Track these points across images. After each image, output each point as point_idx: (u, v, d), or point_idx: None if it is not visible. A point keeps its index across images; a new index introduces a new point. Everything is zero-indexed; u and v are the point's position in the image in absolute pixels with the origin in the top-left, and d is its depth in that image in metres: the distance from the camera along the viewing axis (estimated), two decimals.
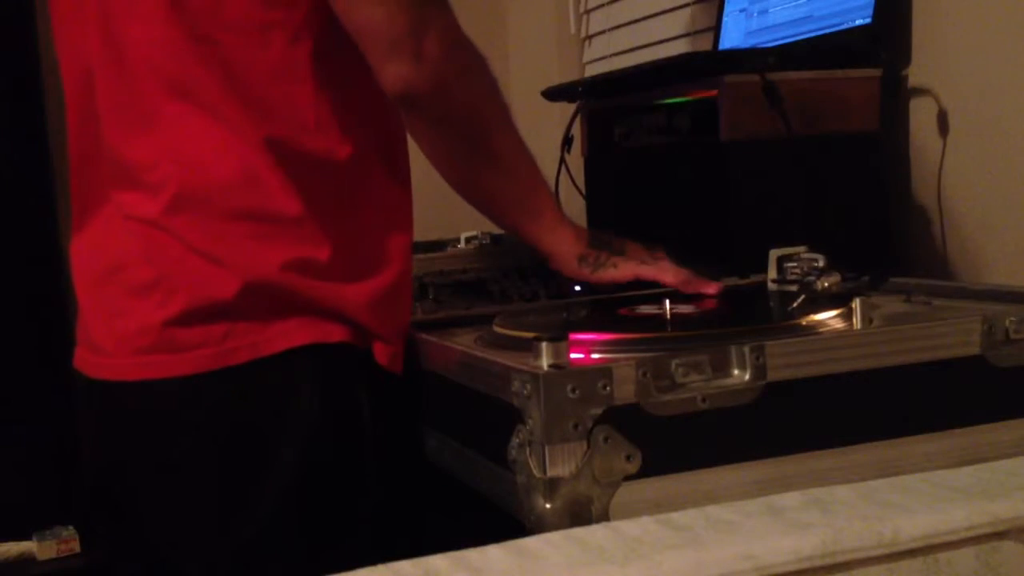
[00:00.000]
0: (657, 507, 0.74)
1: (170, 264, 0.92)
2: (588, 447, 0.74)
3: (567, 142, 1.67)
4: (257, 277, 0.91)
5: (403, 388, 1.03)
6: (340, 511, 0.96)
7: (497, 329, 1.00)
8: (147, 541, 0.98)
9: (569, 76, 2.26)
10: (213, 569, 0.94)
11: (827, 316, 0.93)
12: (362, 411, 0.97)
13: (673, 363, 0.77)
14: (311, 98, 0.94)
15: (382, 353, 0.98)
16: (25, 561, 1.87)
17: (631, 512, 0.73)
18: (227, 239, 0.91)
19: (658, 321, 1.03)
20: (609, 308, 1.16)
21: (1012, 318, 0.85)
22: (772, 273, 1.18)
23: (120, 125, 0.95)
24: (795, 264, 1.16)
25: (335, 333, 0.94)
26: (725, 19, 1.76)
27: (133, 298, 0.93)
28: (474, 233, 1.84)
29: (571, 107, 1.70)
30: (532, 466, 0.74)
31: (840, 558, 0.62)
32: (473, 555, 0.63)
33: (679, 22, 2.01)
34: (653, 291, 1.15)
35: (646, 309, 1.07)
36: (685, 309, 1.05)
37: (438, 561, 0.62)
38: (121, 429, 0.96)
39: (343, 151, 0.95)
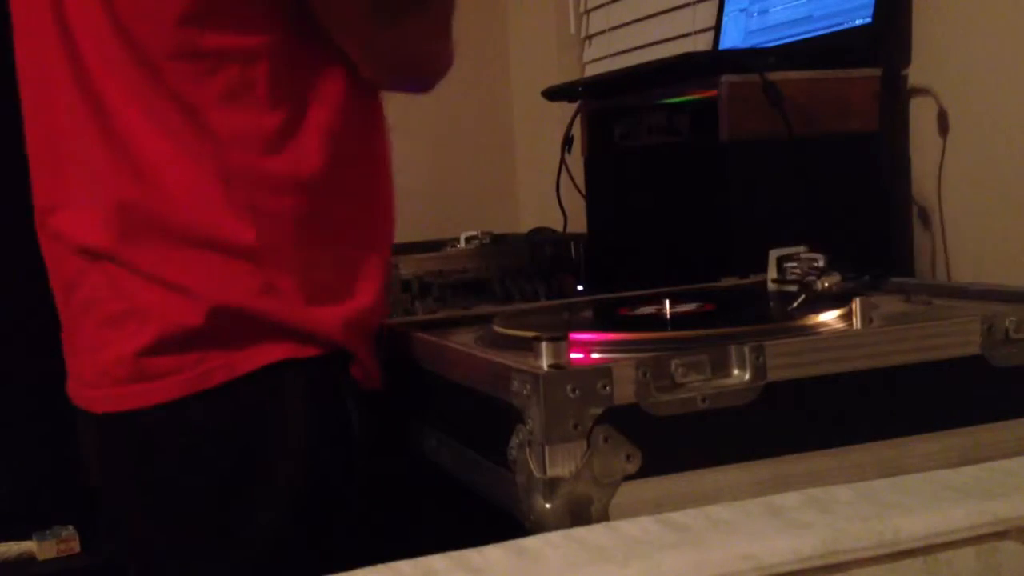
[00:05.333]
0: (657, 507, 0.74)
1: (136, 296, 0.91)
2: (588, 447, 0.74)
3: (567, 142, 1.67)
4: (223, 303, 0.90)
5: (390, 392, 1.03)
6: (335, 516, 0.96)
7: (497, 329, 1.00)
8: (151, 563, 0.98)
9: (569, 76, 2.27)
10: None
11: (827, 316, 0.93)
12: (349, 417, 0.97)
13: (673, 363, 0.77)
14: (266, 121, 0.92)
15: (359, 372, 0.98)
16: (25, 561, 1.87)
17: (631, 512, 0.73)
18: (188, 267, 0.91)
19: (658, 321, 1.03)
20: (609, 308, 1.16)
21: (1012, 318, 0.85)
22: (772, 273, 1.18)
23: (81, 138, 0.93)
24: (795, 264, 1.16)
25: (309, 351, 0.94)
26: (725, 19, 1.76)
27: (107, 330, 0.93)
28: (474, 233, 1.85)
29: (571, 107, 1.70)
30: (532, 466, 0.74)
31: (840, 558, 0.62)
32: (473, 555, 0.63)
33: (679, 22, 2.02)
34: (654, 291, 1.15)
35: (646, 309, 1.07)
36: (685, 309, 1.05)
37: (438, 561, 0.62)
38: (111, 459, 0.97)
39: (305, 174, 0.94)
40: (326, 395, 0.95)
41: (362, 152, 1.00)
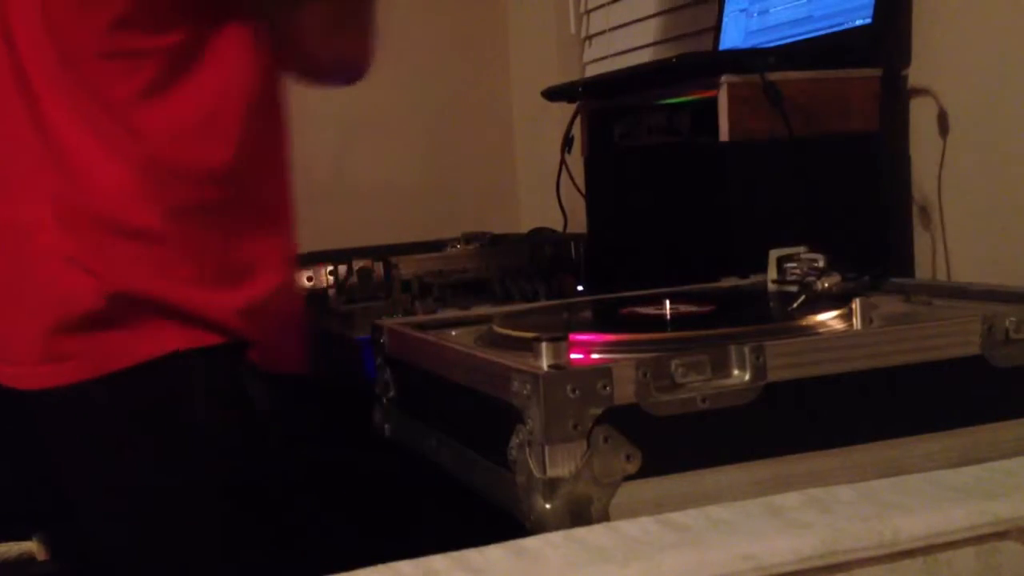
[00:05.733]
0: (657, 507, 0.74)
1: (48, 277, 0.95)
2: (588, 447, 0.74)
3: (567, 142, 1.67)
4: (123, 288, 0.94)
5: (305, 385, 1.05)
6: (247, 504, 0.98)
7: (497, 329, 1.00)
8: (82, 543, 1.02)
9: (569, 76, 2.27)
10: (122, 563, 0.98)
11: (827, 316, 0.93)
12: (252, 407, 0.99)
13: (673, 363, 0.77)
14: (180, 115, 0.96)
15: (257, 357, 1.00)
16: (25, 561, 1.87)
17: (631, 512, 0.73)
18: (99, 251, 0.94)
19: (658, 321, 1.03)
20: (609, 308, 1.16)
21: (1012, 318, 0.85)
22: (772, 273, 1.18)
23: (18, 135, 0.96)
24: (795, 264, 1.16)
25: (208, 338, 0.96)
26: (725, 19, 1.76)
27: (23, 310, 0.96)
28: (474, 233, 1.85)
29: (571, 107, 1.70)
30: (532, 466, 0.74)
31: (840, 558, 0.62)
32: (473, 555, 0.63)
33: (679, 22, 2.01)
34: (654, 291, 1.15)
35: (646, 309, 1.07)
36: (685, 309, 1.05)
37: (438, 561, 0.62)
38: (30, 439, 0.99)
39: (216, 166, 0.97)
40: (228, 384, 0.98)
41: (269, 145, 1.03)
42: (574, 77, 2.28)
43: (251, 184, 1.00)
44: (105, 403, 0.95)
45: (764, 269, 1.19)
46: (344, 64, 1.03)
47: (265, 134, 1.02)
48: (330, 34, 0.99)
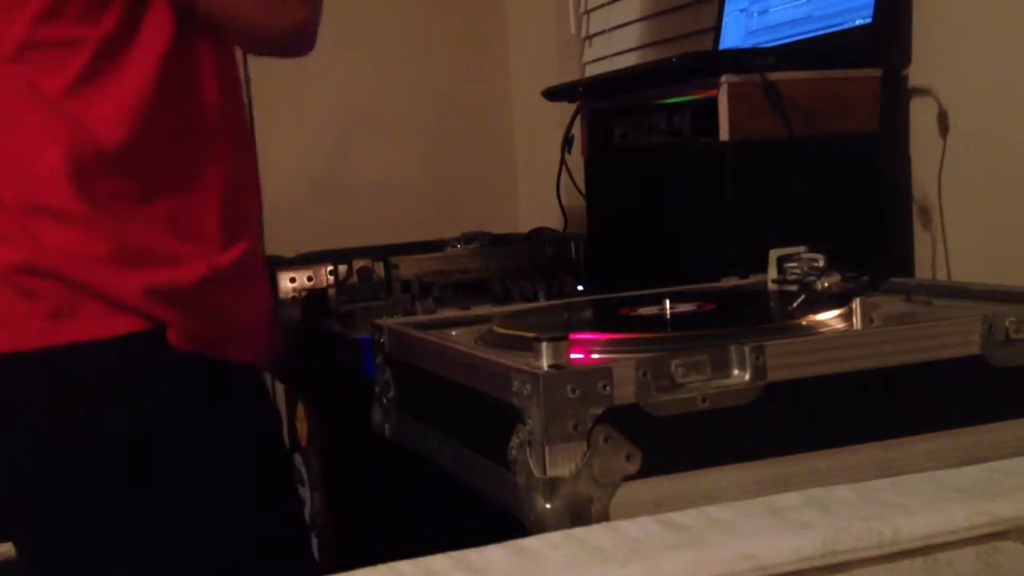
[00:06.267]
0: (657, 507, 0.74)
1: None
2: (588, 447, 0.74)
3: (567, 142, 1.68)
4: (42, 265, 0.96)
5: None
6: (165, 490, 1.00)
7: (497, 329, 1.00)
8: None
9: (569, 76, 2.27)
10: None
11: (827, 316, 0.93)
12: (176, 389, 1.00)
13: (673, 363, 0.76)
14: (111, 105, 0.97)
15: (176, 339, 1.00)
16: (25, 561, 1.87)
17: (631, 512, 0.73)
18: (23, 230, 0.97)
19: (658, 321, 1.03)
20: (609, 308, 1.16)
21: (1012, 318, 0.85)
22: (772, 273, 1.18)
23: None
24: (795, 264, 1.16)
25: (119, 325, 0.97)
26: (725, 19, 1.76)
27: None
28: (474, 232, 1.85)
29: (571, 107, 1.70)
30: (532, 466, 0.74)
31: (840, 558, 0.62)
32: (473, 555, 0.63)
33: (679, 22, 2.01)
34: (654, 291, 1.15)
35: (646, 309, 1.07)
36: (685, 309, 1.05)
37: (438, 561, 0.62)
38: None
39: (139, 158, 0.99)
40: (148, 368, 0.99)
41: (202, 135, 1.04)
42: (574, 77, 2.28)
43: (179, 174, 1.01)
44: (16, 380, 0.97)
45: (764, 269, 1.19)
46: (288, 34, 1.03)
47: (200, 125, 1.03)
48: (270, 7, 0.99)
